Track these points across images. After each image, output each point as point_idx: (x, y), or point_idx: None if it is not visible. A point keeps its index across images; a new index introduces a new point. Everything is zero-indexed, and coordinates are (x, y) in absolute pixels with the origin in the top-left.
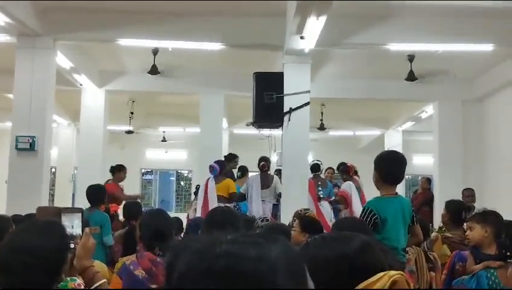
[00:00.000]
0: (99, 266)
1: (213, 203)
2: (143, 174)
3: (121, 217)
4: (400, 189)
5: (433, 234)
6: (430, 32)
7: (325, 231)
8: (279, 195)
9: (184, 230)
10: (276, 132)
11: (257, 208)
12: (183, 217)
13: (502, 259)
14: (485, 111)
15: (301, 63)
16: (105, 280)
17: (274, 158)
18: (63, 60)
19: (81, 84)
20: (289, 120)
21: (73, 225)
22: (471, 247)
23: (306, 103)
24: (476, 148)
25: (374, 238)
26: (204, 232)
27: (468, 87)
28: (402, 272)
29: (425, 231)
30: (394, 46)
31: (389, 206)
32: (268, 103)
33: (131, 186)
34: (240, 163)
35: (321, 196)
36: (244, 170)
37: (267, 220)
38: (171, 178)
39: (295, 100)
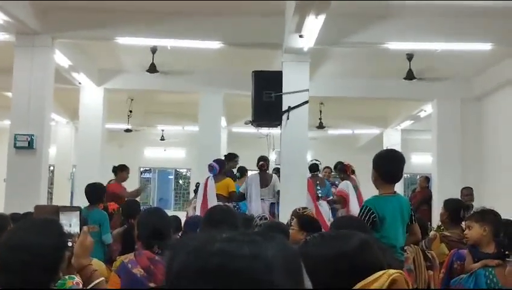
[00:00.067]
0: (97, 264)
1: (212, 202)
2: (141, 172)
3: None
4: (399, 188)
5: (432, 233)
6: (429, 31)
7: (323, 230)
8: (278, 193)
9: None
10: (275, 131)
11: (256, 207)
12: (181, 215)
13: (500, 258)
14: (484, 110)
15: (300, 62)
16: (103, 278)
17: (273, 157)
18: (61, 59)
19: (79, 83)
20: (288, 119)
21: (71, 223)
22: (470, 246)
23: (305, 102)
24: (474, 147)
25: (372, 236)
26: (203, 230)
27: (467, 86)
28: (401, 271)
29: (424, 229)
30: (393, 45)
31: (388, 204)
32: (267, 102)
33: (129, 185)
34: (239, 162)
35: (319, 195)
36: (243, 170)
37: (266, 218)
38: (169, 177)
39: (294, 99)
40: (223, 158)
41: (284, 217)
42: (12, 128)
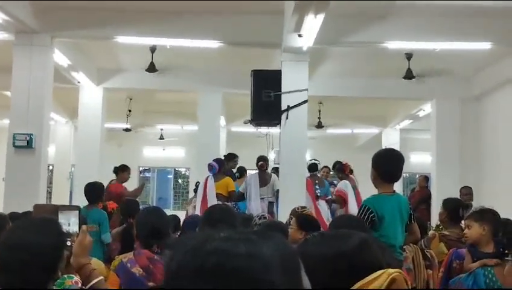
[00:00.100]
0: (96, 263)
1: (212, 201)
2: (141, 172)
3: None
4: (398, 187)
5: (431, 232)
6: (428, 30)
7: (322, 229)
8: (277, 192)
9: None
10: (274, 130)
11: (256, 206)
12: (180, 214)
13: (498, 257)
14: (483, 109)
15: (299, 61)
16: (102, 277)
17: (272, 156)
18: (60, 58)
19: (78, 82)
20: (287, 118)
21: (70, 223)
22: (469, 245)
23: (304, 101)
24: (473, 146)
25: (371, 236)
26: (201, 229)
27: (466, 86)
28: (400, 270)
29: (423, 229)
30: (392, 45)
31: (387, 204)
32: (266, 101)
33: (129, 185)
34: (238, 161)
35: (318, 194)
36: (242, 170)
37: (265, 218)
38: (168, 176)
39: (293, 98)
40: (222, 157)
41: (283, 216)
42: (11, 127)
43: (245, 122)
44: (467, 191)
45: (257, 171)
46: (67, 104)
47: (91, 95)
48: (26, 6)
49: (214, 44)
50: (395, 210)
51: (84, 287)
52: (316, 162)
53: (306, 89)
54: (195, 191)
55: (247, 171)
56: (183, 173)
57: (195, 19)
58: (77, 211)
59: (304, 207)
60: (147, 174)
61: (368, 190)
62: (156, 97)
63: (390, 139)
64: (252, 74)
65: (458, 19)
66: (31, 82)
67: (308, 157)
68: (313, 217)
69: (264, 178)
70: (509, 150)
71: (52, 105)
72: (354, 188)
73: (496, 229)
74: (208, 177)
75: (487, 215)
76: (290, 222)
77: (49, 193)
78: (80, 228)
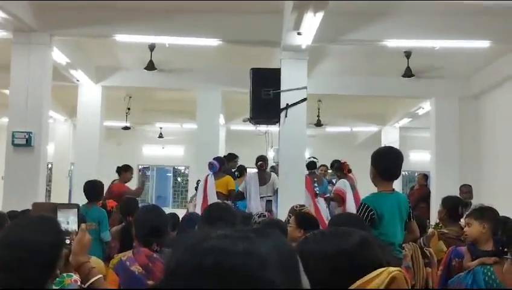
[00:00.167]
0: (95, 262)
1: (212, 200)
2: (140, 170)
3: None
4: (397, 185)
5: (430, 230)
6: (427, 28)
7: (321, 227)
8: (277, 191)
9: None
10: (273, 128)
11: (256, 205)
12: (179, 213)
13: (498, 255)
14: (482, 108)
15: (298, 59)
16: (101, 275)
17: (271, 154)
18: (59, 56)
19: (77, 80)
20: (286, 116)
21: (69, 221)
22: (469, 243)
23: (303, 99)
24: (472, 144)
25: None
26: (200, 227)
27: (465, 84)
28: (401, 269)
29: (423, 227)
30: (391, 43)
31: (386, 202)
32: (265, 99)
33: (129, 184)
34: (238, 162)
35: (317, 192)
36: (242, 169)
37: (264, 216)
38: (167, 174)
39: (292, 96)
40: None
41: (283, 214)
42: (10, 125)
43: (244, 121)
44: (466, 189)
45: (256, 170)
46: (66, 102)
47: (90, 93)
48: (25, 5)
49: (213, 42)
50: (395, 208)
51: (83, 286)
52: (314, 160)
53: (305, 87)
54: (197, 189)
55: (247, 169)
56: (182, 171)
57: (194, 17)
58: (76, 209)
59: (303, 205)
60: (146, 173)
61: (367, 188)
62: (155, 95)
63: (390, 137)
64: (251, 72)
65: (457, 18)
66: (30, 80)
67: (307, 155)
68: (311, 215)
69: (263, 177)
70: (508, 148)
71: (51, 103)
72: (353, 187)
73: (496, 227)
74: (208, 175)
75: (487, 214)
76: (288, 220)
77: (48, 191)
78: (79, 226)
